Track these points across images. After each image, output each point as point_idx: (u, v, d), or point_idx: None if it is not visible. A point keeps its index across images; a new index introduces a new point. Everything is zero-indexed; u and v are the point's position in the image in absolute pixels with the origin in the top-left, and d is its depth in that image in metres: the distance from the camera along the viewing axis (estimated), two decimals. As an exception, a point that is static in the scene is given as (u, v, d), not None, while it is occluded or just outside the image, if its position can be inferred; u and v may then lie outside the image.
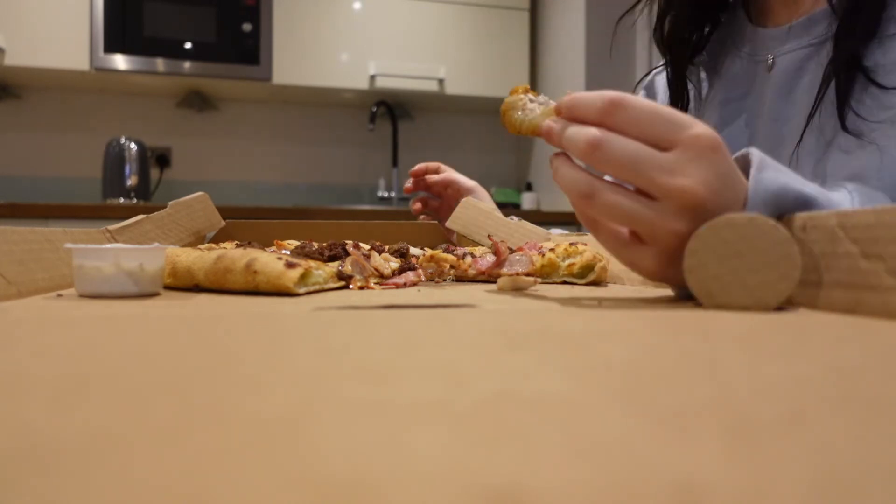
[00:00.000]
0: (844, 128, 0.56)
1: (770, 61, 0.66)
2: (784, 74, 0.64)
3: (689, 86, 0.74)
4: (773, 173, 0.37)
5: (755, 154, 0.38)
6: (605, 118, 0.37)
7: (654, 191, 0.37)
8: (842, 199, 0.45)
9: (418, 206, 1.08)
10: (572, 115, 0.39)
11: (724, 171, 0.37)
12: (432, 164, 1.06)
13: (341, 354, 0.22)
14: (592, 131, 0.37)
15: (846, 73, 0.57)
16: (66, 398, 0.16)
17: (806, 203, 0.37)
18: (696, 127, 0.37)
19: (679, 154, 0.36)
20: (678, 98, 0.74)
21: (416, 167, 1.05)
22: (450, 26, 2.56)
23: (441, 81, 2.53)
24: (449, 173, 1.03)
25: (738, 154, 0.40)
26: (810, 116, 0.59)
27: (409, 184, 1.04)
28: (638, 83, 0.86)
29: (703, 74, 0.75)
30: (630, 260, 0.40)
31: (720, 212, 0.36)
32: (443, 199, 1.05)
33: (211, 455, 0.11)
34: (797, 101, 0.63)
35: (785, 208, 0.37)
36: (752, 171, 0.37)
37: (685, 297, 0.40)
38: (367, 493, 0.10)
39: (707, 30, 0.74)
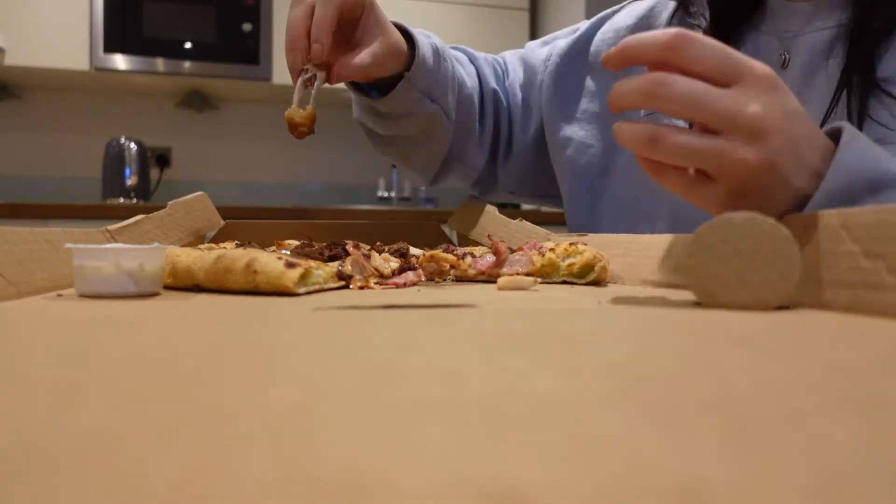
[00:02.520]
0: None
1: (785, 56, 0.62)
2: (801, 69, 0.60)
3: None
4: (865, 144, 0.38)
5: (848, 126, 0.39)
6: (668, 54, 0.37)
7: (720, 123, 0.37)
8: None
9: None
10: (627, 60, 0.39)
11: (789, 108, 0.38)
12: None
13: (341, 354, 0.22)
14: (652, 74, 0.38)
15: (861, 86, 0.55)
16: (66, 398, 0.16)
17: (892, 182, 0.38)
18: (756, 65, 0.37)
19: (741, 89, 0.37)
20: None
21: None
22: (450, 26, 2.55)
23: (441, 81, 2.53)
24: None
25: (829, 126, 0.40)
26: (823, 122, 0.57)
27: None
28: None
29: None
30: (701, 197, 0.40)
31: (788, 146, 0.37)
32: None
33: (211, 455, 0.11)
34: (813, 101, 0.59)
35: (868, 180, 0.37)
36: (845, 136, 0.38)
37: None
38: (367, 492, 0.10)
39: None
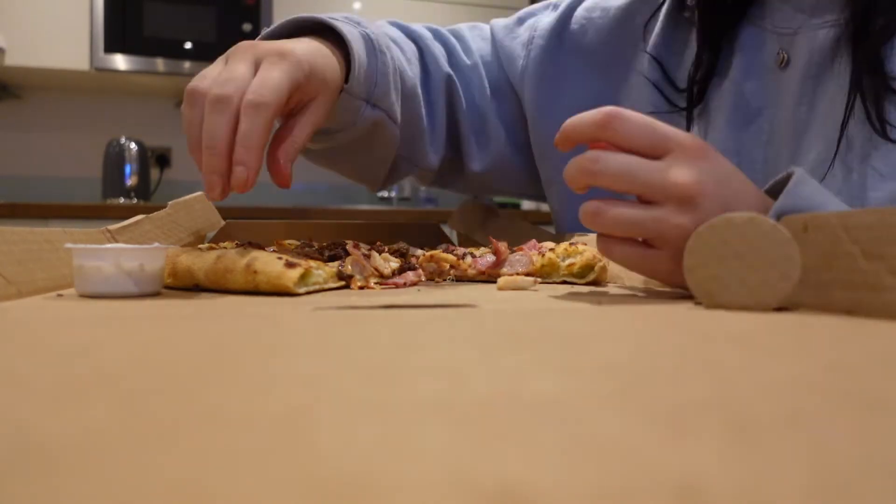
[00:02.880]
0: (886, 137, 0.50)
1: (783, 56, 0.59)
2: (804, 71, 0.57)
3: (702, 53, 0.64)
4: (810, 190, 0.38)
5: (799, 170, 0.39)
6: (601, 133, 0.40)
7: (652, 193, 0.39)
8: None
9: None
10: (570, 142, 0.42)
11: (719, 172, 0.40)
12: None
13: (341, 354, 0.22)
14: (588, 152, 0.40)
15: (874, 89, 0.51)
16: (65, 398, 0.16)
17: None
18: (684, 137, 0.40)
19: (670, 160, 0.39)
20: (704, 59, 0.63)
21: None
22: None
23: (441, 81, 2.53)
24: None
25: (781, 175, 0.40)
26: (842, 132, 0.53)
27: None
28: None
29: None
30: (650, 267, 0.42)
31: (719, 209, 0.37)
32: None
33: (211, 455, 0.11)
34: (817, 107, 0.56)
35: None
36: (790, 184, 0.38)
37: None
38: (367, 493, 0.10)
39: None
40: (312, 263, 0.47)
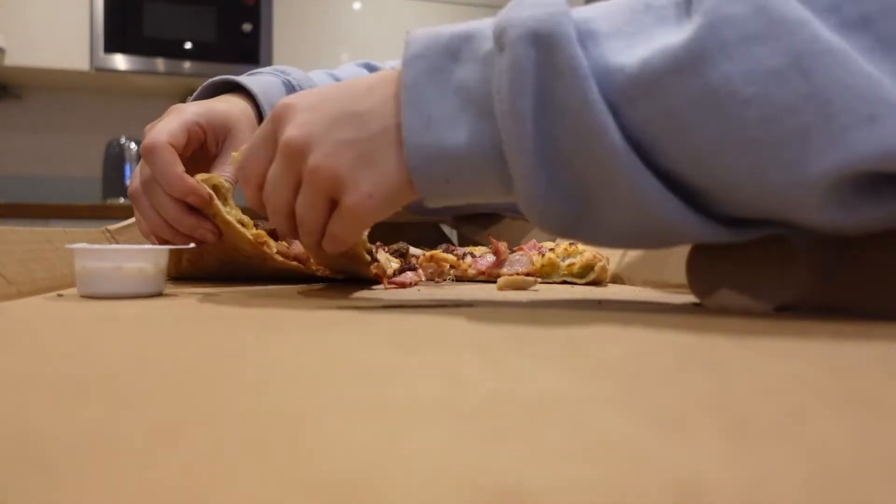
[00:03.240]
0: None
1: None
2: None
3: None
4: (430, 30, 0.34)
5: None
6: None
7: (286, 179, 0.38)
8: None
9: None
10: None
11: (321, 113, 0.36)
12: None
13: (341, 354, 0.22)
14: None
15: None
16: (66, 398, 0.16)
17: (466, 36, 0.33)
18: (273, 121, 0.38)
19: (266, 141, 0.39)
20: None
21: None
22: (450, 26, 2.56)
23: (441, 81, 2.53)
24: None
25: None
26: None
27: None
28: None
29: None
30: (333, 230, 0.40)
31: (335, 147, 0.35)
32: None
33: (210, 455, 0.11)
34: None
35: (444, 45, 0.33)
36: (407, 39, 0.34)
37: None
38: (367, 493, 0.10)
39: None
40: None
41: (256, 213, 0.46)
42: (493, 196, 0.34)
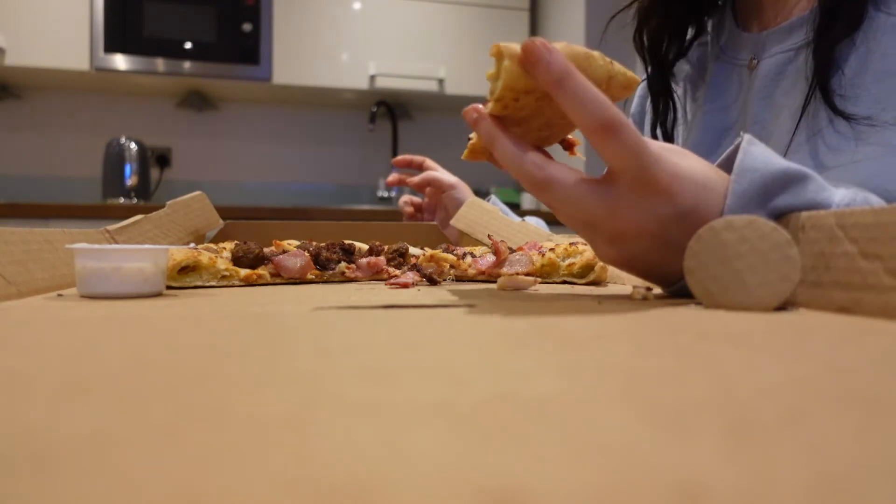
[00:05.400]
0: (839, 113, 0.56)
1: (755, 62, 0.66)
2: (765, 78, 0.64)
3: (675, 93, 0.74)
4: (762, 150, 0.38)
5: (747, 135, 0.39)
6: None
7: (594, 224, 0.38)
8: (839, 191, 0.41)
9: (410, 209, 1.08)
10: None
11: (666, 210, 0.36)
12: (417, 158, 1.05)
13: (341, 354, 0.22)
14: (540, 176, 0.36)
15: (824, 70, 0.57)
16: (66, 398, 0.16)
17: (798, 176, 0.37)
18: (646, 160, 0.36)
19: (622, 192, 0.36)
20: (661, 106, 0.73)
21: (400, 157, 1.06)
22: (450, 26, 2.55)
23: (441, 81, 2.53)
24: (429, 171, 1.02)
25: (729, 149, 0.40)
26: (800, 118, 0.59)
27: (392, 177, 1.04)
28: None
29: (686, 80, 0.74)
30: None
31: (659, 246, 0.37)
32: (427, 198, 1.05)
33: (210, 455, 0.11)
34: (777, 103, 0.63)
35: (774, 181, 0.36)
36: (743, 144, 0.38)
37: (676, 294, 0.41)
38: (367, 493, 0.10)
39: (691, 35, 0.74)
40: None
41: (245, 265, 0.52)
42: None
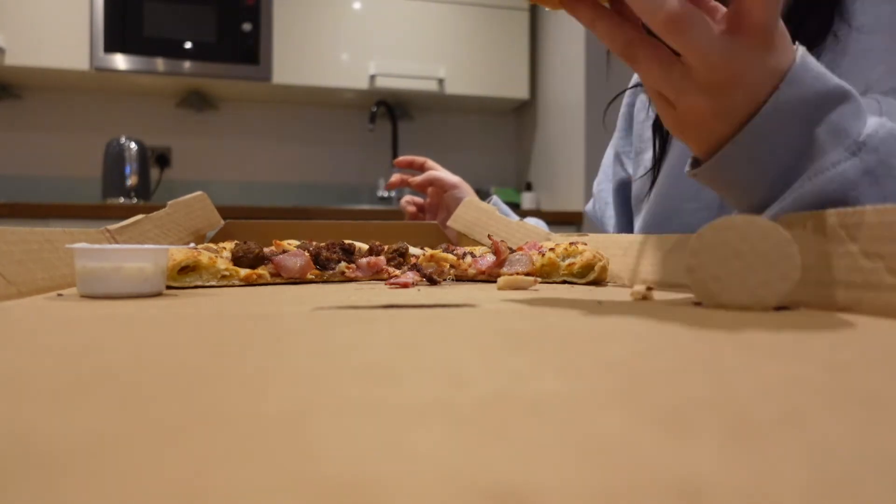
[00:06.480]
0: None
1: None
2: None
3: None
4: (815, 63, 0.39)
5: (802, 48, 0.40)
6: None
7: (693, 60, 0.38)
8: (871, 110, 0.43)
9: (412, 209, 1.09)
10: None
11: (769, 67, 0.38)
12: (418, 159, 1.06)
13: (341, 354, 0.22)
14: (680, 13, 0.37)
15: None
16: (66, 398, 0.16)
17: (844, 95, 0.39)
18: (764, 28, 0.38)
19: (741, 42, 0.37)
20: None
21: (401, 158, 1.07)
22: (450, 26, 2.56)
23: (441, 81, 2.53)
24: (430, 171, 1.03)
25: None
26: None
27: (394, 178, 1.05)
28: (616, 98, 0.85)
29: None
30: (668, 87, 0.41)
31: (747, 99, 0.38)
32: (429, 198, 1.05)
33: (211, 455, 0.11)
34: None
35: (825, 93, 0.38)
36: (800, 52, 0.39)
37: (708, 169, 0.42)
38: (367, 493, 0.10)
39: None
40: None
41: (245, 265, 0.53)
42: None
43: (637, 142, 0.81)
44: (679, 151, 0.70)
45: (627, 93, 0.84)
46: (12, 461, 0.11)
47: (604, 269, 0.55)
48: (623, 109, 0.85)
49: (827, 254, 0.34)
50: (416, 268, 0.58)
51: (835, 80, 0.39)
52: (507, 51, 2.60)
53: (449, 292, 0.47)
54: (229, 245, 0.60)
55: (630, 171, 0.83)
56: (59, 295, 0.44)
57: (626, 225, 0.84)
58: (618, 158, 0.86)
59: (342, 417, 0.14)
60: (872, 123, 0.40)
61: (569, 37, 2.38)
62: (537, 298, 0.43)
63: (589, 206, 0.91)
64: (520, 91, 2.63)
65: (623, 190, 0.85)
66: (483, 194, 1.09)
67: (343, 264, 0.59)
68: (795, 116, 0.39)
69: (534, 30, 2.69)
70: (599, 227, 0.88)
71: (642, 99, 0.81)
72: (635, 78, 0.82)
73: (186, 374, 0.19)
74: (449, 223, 0.82)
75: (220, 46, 2.33)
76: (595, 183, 0.90)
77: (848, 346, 0.24)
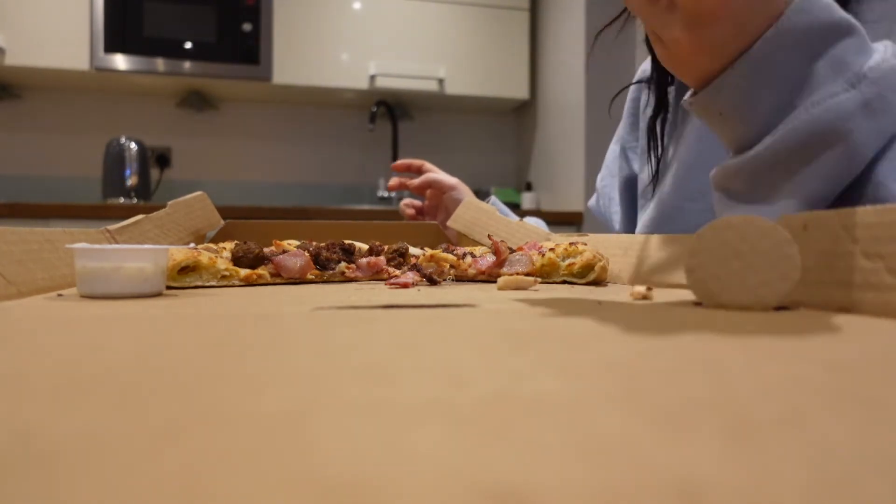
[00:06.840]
0: None
1: None
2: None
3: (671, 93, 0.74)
4: None
5: None
6: None
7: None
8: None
9: (411, 212, 1.09)
10: None
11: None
12: (416, 161, 1.06)
13: (341, 354, 0.22)
14: None
15: (657, 108, 0.63)
16: (66, 398, 0.16)
17: (849, 28, 0.38)
18: None
19: None
20: (660, 104, 0.74)
21: (399, 162, 1.07)
22: (450, 26, 2.55)
23: (441, 81, 2.53)
24: (428, 174, 1.03)
25: None
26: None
27: (393, 181, 1.05)
28: (620, 92, 0.86)
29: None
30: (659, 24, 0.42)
31: (732, 28, 0.38)
32: (428, 200, 1.05)
33: (211, 455, 0.11)
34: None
35: (831, 24, 0.38)
36: None
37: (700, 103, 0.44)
38: (367, 493, 0.10)
39: None
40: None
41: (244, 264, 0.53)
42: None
43: (643, 137, 0.81)
44: (679, 151, 0.70)
45: (632, 87, 0.84)
46: (12, 461, 0.11)
47: (604, 269, 0.55)
48: (628, 104, 0.85)
49: (827, 254, 0.34)
50: (416, 268, 0.58)
51: (842, 12, 0.39)
52: (507, 51, 2.60)
53: (449, 292, 0.47)
54: (229, 245, 0.60)
55: (636, 165, 0.83)
56: (59, 295, 0.44)
57: (632, 220, 0.84)
58: (623, 153, 0.86)
59: (342, 417, 0.14)
60: (876, 57, 0.39)
61: (569, 37, 2.38)
62: (537, 298, 0.43)
63: (592, 202, 0.90)
64: (520, 91, 2.63)
65: (630, 185, 0.85)
66: (483, 194, 1.09)
67: (343, 264, 0.59)
68: (797, 46, 0.38)
69: (534, 30, 2.69)
70: (603, 223, 0.88)
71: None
72: (640, 72, 0.82)
73: (186, 374, 0.19)
74: (449, 223, 0.82)
75: (220, 46, 2.33)
76: (598, 178, 0.90)
77: (848, 346, 0.24)
